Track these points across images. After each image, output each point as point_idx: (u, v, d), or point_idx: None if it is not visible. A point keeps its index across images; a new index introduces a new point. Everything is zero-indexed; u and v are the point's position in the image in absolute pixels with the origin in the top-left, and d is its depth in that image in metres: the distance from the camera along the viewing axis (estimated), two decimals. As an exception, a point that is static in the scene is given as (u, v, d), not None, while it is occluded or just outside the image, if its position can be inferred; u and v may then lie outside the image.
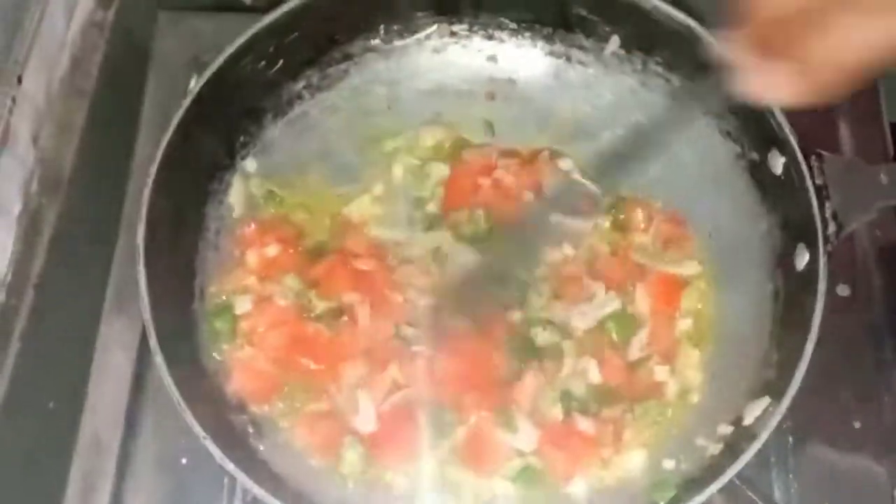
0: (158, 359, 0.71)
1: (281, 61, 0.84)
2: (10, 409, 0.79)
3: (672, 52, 0.84)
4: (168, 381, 0.70)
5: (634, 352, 0.79)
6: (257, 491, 0.68)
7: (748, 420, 0.72)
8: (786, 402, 0.69)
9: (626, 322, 0.79)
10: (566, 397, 0.77)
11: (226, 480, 0.79)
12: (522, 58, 0.89)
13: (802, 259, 0.74)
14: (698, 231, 0.83)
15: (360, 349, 0.79)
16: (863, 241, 0.87)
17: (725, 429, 0.74)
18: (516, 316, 0.79)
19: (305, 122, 0.87)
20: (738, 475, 0.68)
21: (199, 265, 0.81)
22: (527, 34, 0.89)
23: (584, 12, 0.85)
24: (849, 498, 0.79)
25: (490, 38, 0.89)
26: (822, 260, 0.71)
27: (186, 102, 0.78)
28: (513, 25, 0.88)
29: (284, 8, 0.81)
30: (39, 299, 0.85)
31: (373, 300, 0.79)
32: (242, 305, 0.80)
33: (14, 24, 0.85)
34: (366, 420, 0.77)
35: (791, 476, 0.79)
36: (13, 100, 0.85)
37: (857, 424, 0.80)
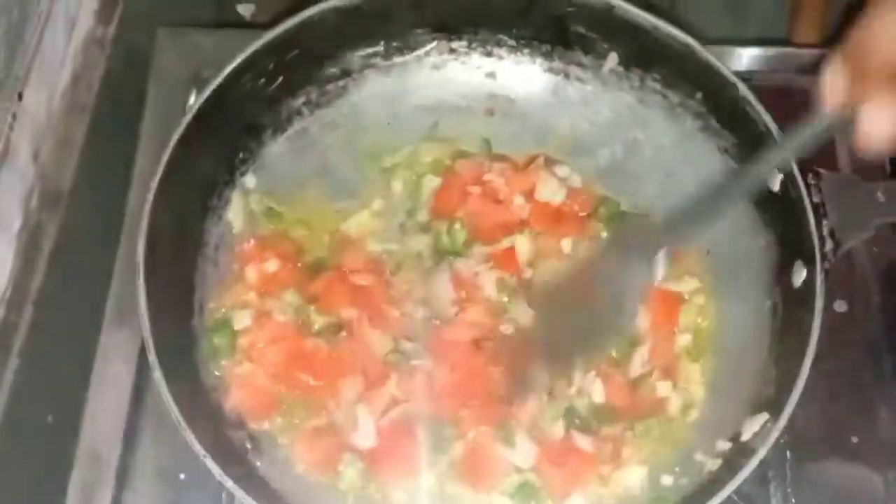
0: (157, 374, 0.71)
1: (281, 78, 0.85)
2: (9, 423, 0.79)
3: (670, 69, 0.84)
4: (167, 396, 0.70)
5: (636, 368, 0.79)
6: (256, 507, 0.68)
7: (746, 436, 0.72)
8: (784, 417, 0.69)
9: (627, 338, 0.79)
10: (569, 415, 0.77)
11: (224, 496, 0.79)
12: (521, 74, 0.90)
13: (800, 276, 0.74)
14: (696, 247, 0.83)
15: (359, 365, 0.79)
16: (860, 257, 0.87)
17: (724, 444, 0.74)
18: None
19: (305, 139, 0.88)
20: (737, 491, 0.68)
21: (198, 280, 0.81)
22: (525, 51, 0.89)
23: (582, 30, 0.85)
24: (847, 512, 0.79)
25: (489, 54, 0.90)
26: (820, 277, 0.71)
27: (186, 119, 0.78)
28: (511, 42, 0.89)
29: (285, 25, 0.81)
30: (39, 314, 0.85)
31: (371, 315, 0.80)
32: (241, 321, 0.80)
33: (15, 40, 0.85)
34: (365, 436, 0.77)
35: (789, 491, 0.78)
36: (14, 115, 0.86)
37: (854, 440, 0.80)
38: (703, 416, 0.78)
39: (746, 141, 0.80)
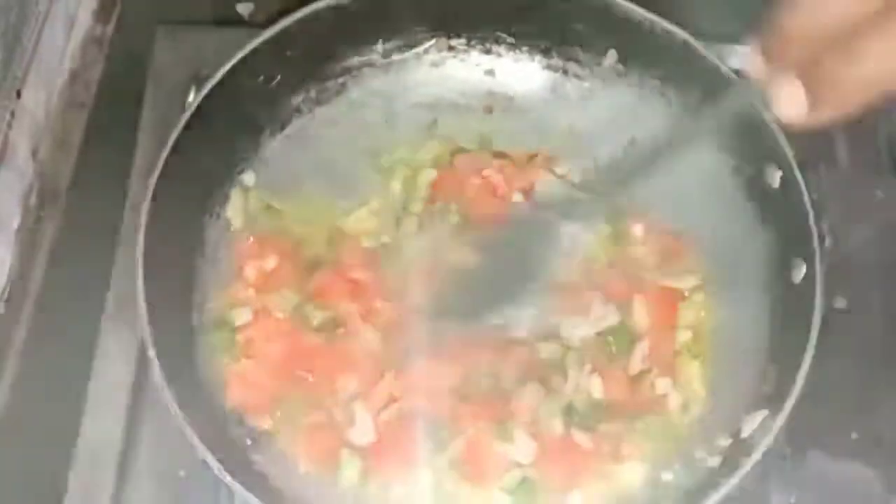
0: (157, 371, 0.71)
1: (279, 76, 0.85)
2: (8, 422, 0.79)
3: (669, 66, 0.84)
4: (167, 394, 0.70)
5: (636, 364, 0.79)
6: (254, 502, 0.68)
7: (746, 432, 0.72)
8: (784, 414, 0.69)
9: (626, 334, 0.80)
10: (568, 411, 0.77)
11: (224, 493, 0.79)
12: (520, 72, 0.90)
13: (799, 272, 0.74)
14: (695, 244, 0.83)
15: (357, 361, 0.79)
16: (860, 254, 0.87)
17: (724, 441, 0.74)
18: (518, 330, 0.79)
19: (304, 136, 0.87)
20: (737, 487, 0.68)
21: (197, 278, 0.81)
22: (524, 48, 0.89)
23: (581, 27, 0.86)
24: (847, 509, 0.79)
25: (488, 52, 0.90)
26: (819, 273, 0.72)
27: (185, 117, 0.78)
28: (510, 40, 0.89)
29: (283, 23, 0.81)
30: (38, 312, 0.85)
31: (368, 310, 0.80)
32: (241, 318, 0.80)
33: (13, 39, 0.86)
34: (363, 432, 0.77)
35: (789, 488, 0.79)
36: (12, 114, 0.86)
37: (854, 436, 0.81)
38: (702, 412, 0.78)
39: (745, 138, 0.80)
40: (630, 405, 0.78)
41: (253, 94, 0.84)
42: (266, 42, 0.81)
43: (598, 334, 0.79)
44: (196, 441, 0.69)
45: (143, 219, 0.75)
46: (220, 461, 0.68)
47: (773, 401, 0.71)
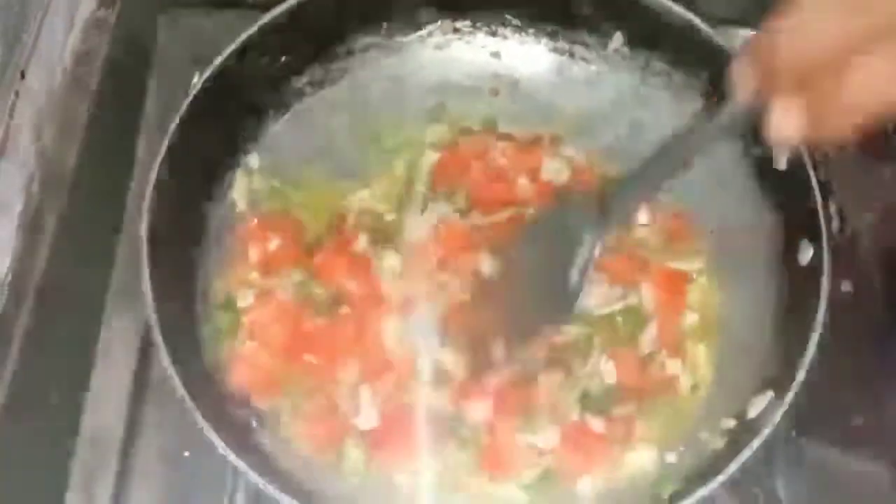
0: (162, 352, 0.71)
1: (283, 58, 0.85)
2: (12, 405, 0.79)
3: (675, 49, 0.84)
4: (172, 375, 0.70)
5: (645, 346, 0.79)
6: (261, 484, 0.68)
7: (752, 414, 0.72)
8: (789, 396, 0.69)
9: (635, 316, 0.79)
10: (585, 397, 0.77)
11: (229, 475, 0.79)
12: (526, 54, 0.89)
13: (806, 255, 0.74)
14: (702, 226, 0.83)
15: (362, 344, 0.78)
16: (866, 238, 0.86)
17: (729, 423, 0.74)
18: None
19: (308, 118, 0.87)
20: (742, 469, 0.68)
21: (201, 260, 0.81)
22: (530, 31, 0.89)
23: (587, 9, 0.85)
24: (851, 492, 0.79)
25: (493, 34, 0.89)
26: (826, 255, 0.71)
27: (189, 99, 0.78)
28: (516, 22, 0.89)
29: (286, 5, 0.81)
30: (41, 297, 0.85)
31: (371, 291, 0.79)
32: (245, 300, 0.80)
33: (16, 23, 0.85)
34: (367, 418, 0.77)
35: (794, 470, 0.78)
36: (16, 94, 0.85)
37: (859, 420, 0.81)
38: (709, 394, 0.78)
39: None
40: (641, 388, 0.78)
41: (257, 77, 0.84)
42: (269, 24, 0.81)
43: (608, 316, 0.79)
44: (201, 421, 0.69)
45: (148, 202, 0.75)
46: (226, 441, 0.68)
47: (779, 383, 0.71)
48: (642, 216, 0.83)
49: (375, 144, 0.87)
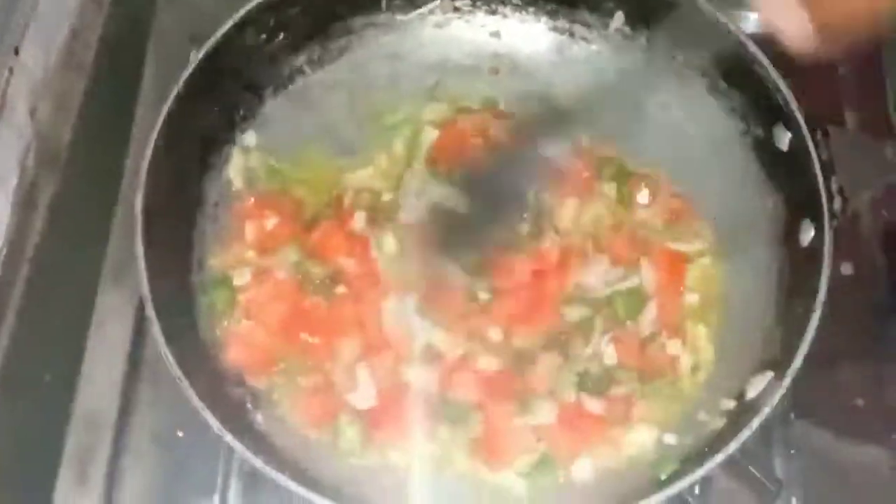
0: (156, 329, 0.70)
1: (281, 35, 0.84)
2: (5, 383, 0.79)
3: (678, 29, 0.82)
4: (165, 351, 0.70)
5: (645, 326, 0.78)
6: (255, 462, 0.67)
7: (751, 394, 0.72)
8: (789, 376, 0.68)
9: (635, 297, 0.79)
10: (583, 378, 0.76)
11: (223, 453, 0.78)
12: (526, 33, 0.89)
13: (807, 234, 0.74)
14: (703, 207, 0.82)
15: (359, 323, 0.78)
16: (866, 220, 0.86)
17: (728, 403, 0.73)
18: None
19: (306, 97, 0.86)
20: (740, 450, 0.68)
21: (197, 238, 0.81)
22: (530, 9, 0.88)
23: (588, -12, 0.85)
24: (849, 474, 0.79)
25: (493, 13, 0.89)
26: (828, 234, 0.71)
27: (186, 74, 0.78)
28: (516, 1, 0.88)
29: (285, -19, 0.81)
30: (35, 272, 0.84)
31: (368, 271, 0.79)
32: (241, 278, 0.79)
33: (11, -1, 0.84)
34: (364, 396, 0.76)
35: (792, 452, 0.78)
36: (10, 71, 0.84)
37: (859, 402, 0.80)
38: (709, 375, 0.77)
39: (754, 101, 0.79)
40: (641, 368, 0.77)
41: (254, 54, 0.83)
42: (267, 1, 0.80)
43: (608, 297, 0.79)
44: (195, 400, 0.68)
45: (143, 178, 0.74)
46: (220, 420, 0.68)
47: (779, 363, 0.70)
48: (643, 196, 0.82)
49: (374, 123, 0.86)
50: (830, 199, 0.71)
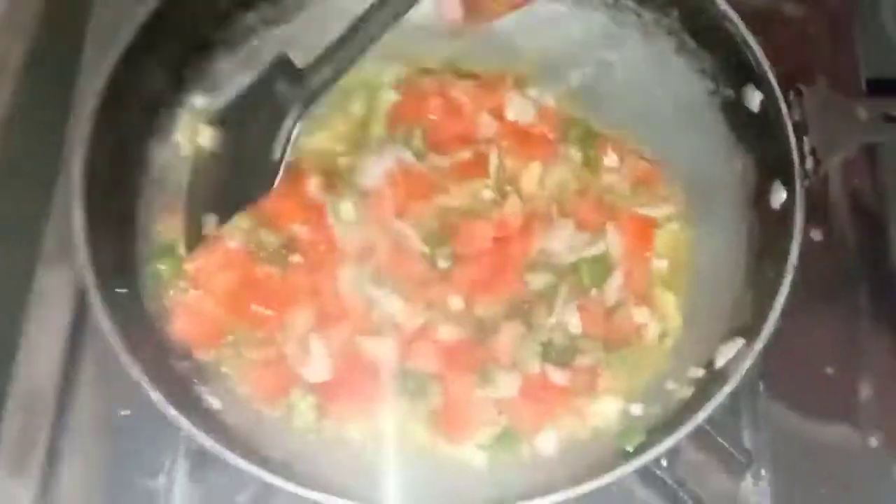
0: (97, 301, 0.66)
1: (233, -9, 0.80)
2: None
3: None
4: (106, 324, 0.66)
5: (611, 295, 0.76)
6: (202, 439, 0.64)
7: (720, 363, 0.70)
8: (759, 342, 0.67)
9: (600, 264, 0.76)
10: (547, 348, 0.74)
11: (170, 432, 0.74)
12: (489, -8, 0.86)
13: (779, 197, 0.72)
14: (671, 171, 0.80)
15: (314, 293, 0.75)
16: (836, 186, 0.85)
17: (696, 372, 0.71)
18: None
19: (258, 57, 0.82)
20: (708, 421, 0.66)
21: (142, 204, 0.77)
22: (494, -33, 0.85)
23: (552, -57, 0.82)
24: (819, 444, 0.77)
25: (456, -30, 0.86)
26: (800, 196, 0.69)
27: (131, 32, 0.73)
28: (479, -42, 0.85)
29: (235, -67, 0.77)
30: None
31: (324, 238, 0.75)
32: (188, 246, 0.75)
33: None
34: (318, 368, 0.73)
35: (761, 422, 0.76)
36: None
37: (829, 370, 0.79)
38: (677, 343, 0.75)
39: (724, 60, 0.77)
40: (606, 337, 0.75)
41: (204, 12, 0.79)
42: (217, -46, 0.77)
43: (573, 264, 0.76)
44: (139, 376, 0.65)
45: (84, 142, 0.70)
46: (164, 394, 0.64)
47: (749, 330, 0.68)
48: (610, 160, 0.80)
49: (330, 85, 0.83)
50: (803, 158, 0.70)
